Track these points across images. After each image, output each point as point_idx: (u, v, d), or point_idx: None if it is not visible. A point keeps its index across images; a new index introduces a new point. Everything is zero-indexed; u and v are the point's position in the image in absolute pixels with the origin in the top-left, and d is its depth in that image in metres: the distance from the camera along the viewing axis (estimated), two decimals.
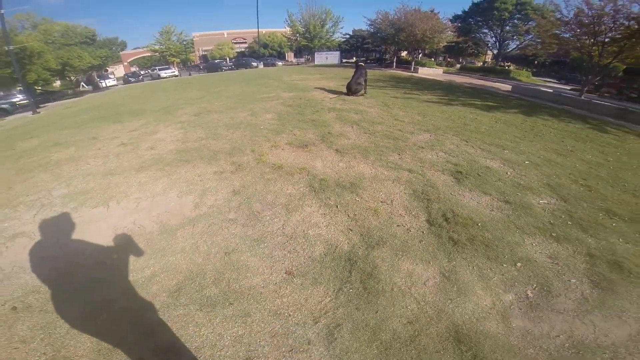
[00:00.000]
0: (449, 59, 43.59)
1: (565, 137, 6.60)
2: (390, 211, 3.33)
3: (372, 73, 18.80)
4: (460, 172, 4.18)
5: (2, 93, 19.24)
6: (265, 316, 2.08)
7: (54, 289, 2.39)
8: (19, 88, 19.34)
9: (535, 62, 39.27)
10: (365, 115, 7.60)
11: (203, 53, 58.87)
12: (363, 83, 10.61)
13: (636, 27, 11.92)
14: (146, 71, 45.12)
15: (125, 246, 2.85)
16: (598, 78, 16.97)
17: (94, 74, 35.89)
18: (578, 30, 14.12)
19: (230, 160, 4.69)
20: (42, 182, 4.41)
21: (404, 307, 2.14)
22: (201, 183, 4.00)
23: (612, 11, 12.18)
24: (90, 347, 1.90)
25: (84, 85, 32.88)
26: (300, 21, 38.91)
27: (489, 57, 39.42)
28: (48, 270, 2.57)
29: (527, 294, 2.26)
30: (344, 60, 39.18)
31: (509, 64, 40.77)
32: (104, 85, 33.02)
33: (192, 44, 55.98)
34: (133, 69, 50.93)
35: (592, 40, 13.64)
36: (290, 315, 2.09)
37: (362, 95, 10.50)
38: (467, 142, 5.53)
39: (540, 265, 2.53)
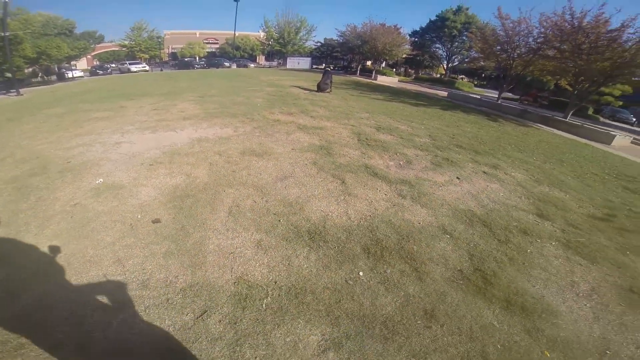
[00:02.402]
0: (409, 70, 48.78)
1: (460, 120, 10.10)
2: (339, 136, 6.30)
3: (338, 79, 22.05)
4: (380, 127, 7.34)
5: None
6: (284, 161, 4.76)
7: (168, 159, 4.80)
8: None
9: (483, 75, 45.61)
10: (329, 102, 10.61)
11: (173, 51, 58.83)
12: (329, 83, 13.68)
13: (534, 46, 16.02)
14: (115, 64, 44.67)
15: (202, 140, 5.37)
16: (512, 86, 21.84)
17: (54, 66, 35.28)
18: (498, 47, 18.27)
19: (245, 117, 7.37)
20: (106, 125, 6.57)
21: (342, 157, 4.98)
22: (232, 125, 6.63)
23: (518, 34, 16.37)
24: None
25: (41, 75, 32.43)
26: (275, 27, 41.69)
27: (444, 70, 44.87)
28: (153, 155, 4.95)
29: (400, 163, 5.21)
30: (314, 66, 42.51)
31: (462, 76, 46.78)
32: (70, 76, 32.87)
33: (162, 41, 55.96)
34: (95, 62, 49.72)
35: (506, 55, 17.88)
36: (296, 161, 4.79)
37: (328, 92, 13.53)
38: (391, 118, 8.76)
39: (409, 156, 5.56)
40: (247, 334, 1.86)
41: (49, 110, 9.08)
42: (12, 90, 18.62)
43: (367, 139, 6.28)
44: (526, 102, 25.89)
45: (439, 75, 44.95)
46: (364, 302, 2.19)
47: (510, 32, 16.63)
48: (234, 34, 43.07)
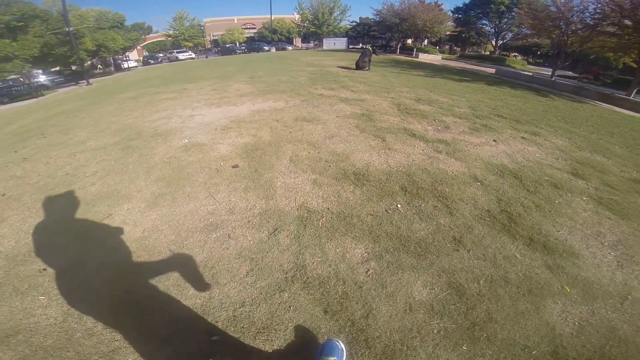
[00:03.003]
0: (455, 47, 46.09)
1: (505, 94, 9.84)
2: (380, 106, 6.73)
3: (376, 58, 21.75)
4: (420, 99, 7.57)
5: (27, 73, 22.05)
6: (331, 125, 5.35)
7: (236, 125, 5.64)
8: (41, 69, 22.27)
9: (538, 52, 41.63)
10: (368, 79, 10.90)
11: (214, 38, 61.23)
12: (367, 61, 13.82)
13: (591, 22, 14.81)
14: (164, 54, 47.95)
15: (260, 111, 6.17)
16: (567, 63, 19.98)
17: (110, 57, 38.82)
18: (549, 22, 16.99)
19: (293, 93, 8.10)
20: (176, 104, 7.64)
21: (382, 122, 5.45)
22: (282, 99, 7.40)
23: (571, 9, 15.15)
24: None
25: (100, 67, 36.01)
26: (309, 9, 41.53)
27: (493, 47, 41.83)
28: (223, 123, 5.81)
29: (438, 128, 5.54)
30: (351, 46, 41.90)
31: (515, 53, 43.16)
32: (126, 66, 36.19)
33: (204, 29, 58.41)
34: (145, 53, 53.56)
35: (559, 32, 16.60)
36: (341, 125, 5.34)
37: (366, 70, 13.70)
38: (431, 92, 8.87)
39: (447, 122, 5.84)
40: (307, 245, 2.52)
41: (122, 94, 10.55)
42: (81, 81, 21.34)
43: (406, 108, 6.64)
44: (586, 80, 23.49)
45: (487, 53, 41.89)
46: (401, 226, 2.77)
47: (562, 8, 15.33)
48: (271, 18, 43.67)
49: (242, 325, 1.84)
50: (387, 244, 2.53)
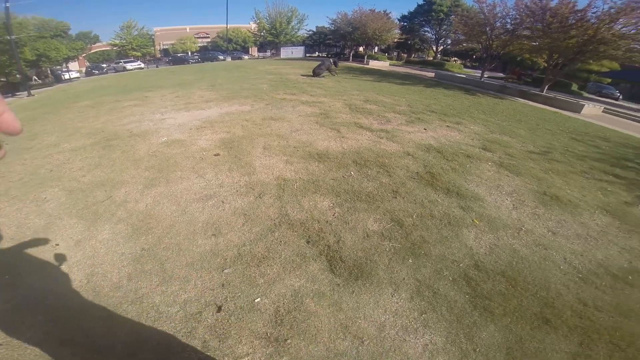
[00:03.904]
0: (402, 54, 49.70)
1: (439, 94, 11.50)
2: (334, 106, 7.74)
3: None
4: (368, 100, 8.80)
5: None
6: (294, 122, 6.16)
7: (209, 125, 6.20)
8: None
9: (474, 56, 46.56)
10: (324, 84, 12.00)
11: (164, 47, 59.08)
12: (324, 69, 14.97)
13: (510, 27, 17.22)
14: (108, 64, 45.20)
15: (229, 114, 6.77)
16: (494, 65, 23.13)
17: (48, 68, 35.92)
18: (478, 28, 19.37)
19: (256, 98, 8.79)
20: (143, 110, 7.93)
21: (337, 119, 6.41)
22: (247, 103, 8.05)
23: (495, 16, 17.56)
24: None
25: (36, 78, 33.18)
26: (266, 18, 42.36)
27: (438, 53, 45.75)
28: (196, 124, 6.34)
29: (381, 122, 6.62)
30: (308, 55, 43.38)
31: (455, 58, 47.67)
32: (67, 77, 33.67)
33: (153, 38, 56.23)
34: (86, 63, 50.07)
35: (486, 37, 19.07)
36: (303, 122, 6.19)
37: (323, 77, 14.83)
38: (377, 94, 10.21)
39: (389, 117, 6.98)
40: (287, 202, 3.30)
41: (77, 104, 10.27)
42: (18, 93, 19.71)
43: (356, 108, 7.75)
44: (510, 80, 27.12)
45: (431, 58, 45.88)
46: (354, 185, 3.67)
47: (488, 14, 17.68)
48: (226, 27, 43.66)
49: (246, 259, 2.55)
50: (346, 197, 3.42)
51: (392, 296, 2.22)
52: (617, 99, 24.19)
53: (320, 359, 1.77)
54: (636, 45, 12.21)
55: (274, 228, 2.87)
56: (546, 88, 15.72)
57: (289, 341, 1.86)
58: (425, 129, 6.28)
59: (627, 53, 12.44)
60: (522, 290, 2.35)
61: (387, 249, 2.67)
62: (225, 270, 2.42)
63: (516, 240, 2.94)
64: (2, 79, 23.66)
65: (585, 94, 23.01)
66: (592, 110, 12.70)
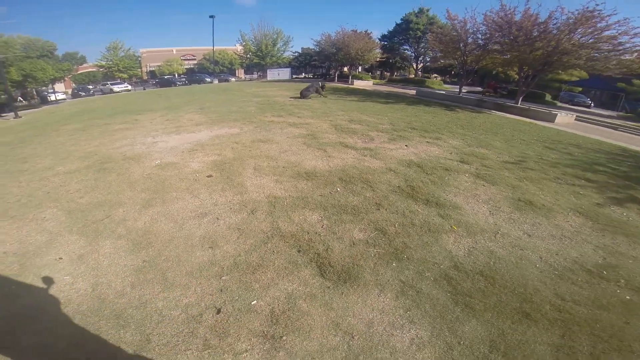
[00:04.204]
0: (385, 73, 51.51)
1: (420, 112, 12.15)
2: (321, 127, 8.15)
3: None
4: (352, 120, 9.32)
5: None
6: (283, 143, 6.46)
7: (200, 148, 6.43)
8: None
9: (452, 72, 48.49)
10: (311, 106, 12.54)
11: (151, 69, 59.51)
12: (312, 91, 15.58)
13: (481, 42, 18.25)
14: (94, 85, 45.11)
15: (219, 136, 7.02)
16: (470, 80, 24.27)
17: (33, 89, 35.67)
18: (452, 45, 20.33)
19: (245, 121, 9.14)
20: (134, 133, 8.13)
21: (324, 139, 6.77)
22: (237, 126, 8.36)
23: (467, 33, 18.60)
24: None
25: (21, 99, 32.85)
26: (252, 40, 43.58)
27: (419, 70, 47.38)
28: (187, 147, 6.56)
29: (365, 140, 7.01)
30: (294, 76, 44.55)
31: (435, 75, 49.47)
32: (53, 98, 33.44)
33: (140, 60, 56.71)
34: (72, 85, 49.84)
35: (460, 53, 20.04)
36: (291, 143, 6.50)
37: (310, 98, 15.40)
38: (361, 114, 10.79)
39: (372, 136, 7.41)
40: (278, 216, 3.55)
41: (66, 126, 10.34)
42: (3, 114, 19.44)
43: (342, 128, 8.17)
44: (487, 94, 28.42)
45: (412, 76, 47.60)
46: (340, 200, 3.96)
47: (460, 31, 18.68)
48: (213, 49, 44.66)
49: (242, 267, 2.76)
50: (333, 210, 3.70)
51: (379, 296, 2.45)
52: (588, 107, 25.78)
53: (314, 354, 1.95)
54: (596, 54, 12.89)
55: (266, 240, 3.10)
56: (520, 100, 16.39)
57: (284, 338, 2.05)
58: (406, 145, 6.70)
59: (589, 62, 13.13)
60: (500, 288, 2.55)
61: (372, 255, 2.93)
62: (223, 277, 2.62)
63: (493, 243, 3.20)
64: None
65: (559, 104, 24.34)
66: (565, 119, 13.21)
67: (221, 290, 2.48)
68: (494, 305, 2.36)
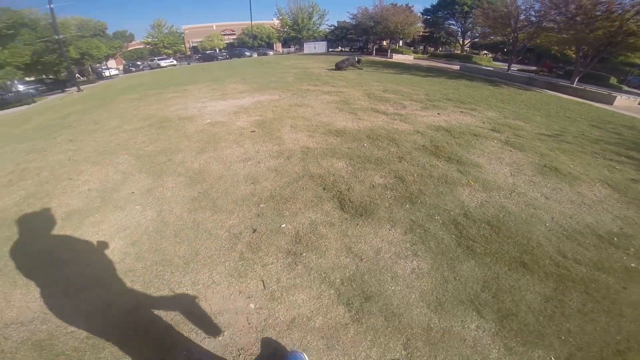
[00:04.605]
0: (429, 47, 48.77)
1: (460, 85, 11.73)
2: (354, 95, 8.38)
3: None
4: (387, 90, 9.34)
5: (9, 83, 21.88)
6: (317, 107, 6.88)
7: (244, 110, 7.07)
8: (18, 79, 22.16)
9: (505, 49, 44.47)
10: (346, 77, 12.65)
11: (193, 44, 61.63)
12: (347, 64, 15.58)
13: (534, 20, 16.84)
14: (142, 62, 48.14)
15: (261, 102, 7.61)
16: (520, 57, 22.37)
17: (89, 66, 38.92)
18: (501, 21, 18.98)
19: (283, 89, 9.67)
20: (185, 100, 8.99)
21: (355, 105, 7.05)
22: (276, 93, 8.94)
23: (518, 9, 17.23)
24: None
25: (79, 76, 36.08)
26: (288, 14, 43.30)
27: (466, 46, 44.25)
28: (233, 109, 7.21)
29: (397, 108, 7.16)
30: (330, 50, 43.87)
31: (485, 51, 45.97)
32: (107, 74, 36.50)
33: (183, 36, 58.90)
34: (122, 61, 53.35)
35: (510, 29, 18.67)
36: (325, 107, 6.90)
37: (346, 70, 15.42)
38: (397, 85, 10.69)
39: (405, 104, 7.51)
40: (309, 162, 4.06)
41: (125, 97, 11.56)
42: (67, 89, 21.84)
43: (375, 96, 8.36)
44: (542, 73, 26.04)
45: (458, 52, 44.49)
46: (366, 152, 4.35)
47: (510, 7, 17.32)
48: (251, 23, 45.06)
49: (276, 198, 3.32)
50: (358, 160, 4.14)
51: (389, 230, 2.84)
52: None
53: (327, 269, 2.38)
54: None
55: (298, 179, 3.63)
56: (576, 80, 15.12)
57: (304, 255, 2.53)
58: (438, 113, 6.76)
59: None
60: (504, 237, 2.71)
61: (389, 196, 3.33)
62: (261, 205, 3.21)
63: (507, 199, 3.34)
64: (50, 77, 26.29)
65: (625, 88, 21.68)
66: (625, 102, 11.90)
67: (258, 215, 3.06)
68: (495, 252, 2.53)
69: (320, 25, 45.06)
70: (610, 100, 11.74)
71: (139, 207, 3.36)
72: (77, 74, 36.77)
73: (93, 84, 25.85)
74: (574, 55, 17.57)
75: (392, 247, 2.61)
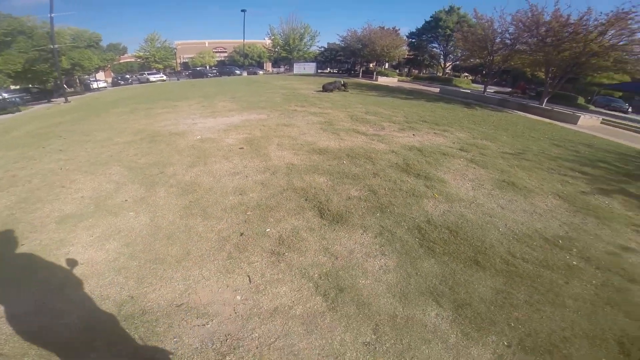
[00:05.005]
0: (412, 70, 50.88)
1: (437, 108, 12.61)
2: (338, 117, 8.95)
3: None
4: (368, 112, 10.05)
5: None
6: (303, 127, 7.37)
7: (233, 128, 7.48)
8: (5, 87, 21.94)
9: (484, 72, 46.72)
10: (332, 99, 13.38)
11: (184, 60, 62.32)
12: (333, 86, 16.45)
13: (509, 42, 18.11)
14: (131, 75, 48.20)
15: (249, 120, 8.04)
16: (495, 79, 23.79)
17: (77, 77, 38.71)
18: (478, 44, 20.20)
19: (271, 109, 10.19)
20: (175, 116, 9.34)
21: (338, 126, 7.58)
22: (264, 112, 9.41)
23: (494, 32, 18.49)
24: None
25: (65, 86, 35.72)
26: (280, 34, 44.79)
27: (448, 68, 46.45)
28: (222, 127, 7.62)
29: (376, 129, 7.75)
30: (320, 71, 45.33)
31: (465, 74, 48.19)
32: (95, 86, 36.40)
33: (175, 51, 59.60)
34: (111, 74, 53.20)
35: (486, 52, 19.92)
36: (310, 127, 7.40)
37: (332, 92, 16.21)
38: (379, 107, 11.44)
39: (384, 126, 8.12)
40: (293, 177, 4.47)
41: (114, 110, 11.73)
42: (54, 99, 21.65)
43: (357, 118, 8.98)
44: (515, 94, 27.67)
45: (440, 74, 46.46)
46: (345, 169, 4.82)
47: (487, 31, 18.59)
48: (243, 42, 46.27)
49: (262, 207, 3.69)
50: (337, 176, 4.59)
51: (362, 234, 3.27)
52: (625, 112, 24.42)
53: (307, 266, 2.76)
54: (626, 56, 12.50)
55: (282, 191, 4.03)
56: (545, 101, 15.96)
57: (286, 254, 2.91)
58: (413, 134, 7.39)
59: (618, 64, 12.78)
60: (461, 240, 3.17)
61: (362, 207, 3.77)
62: (248, 213, 3.57)
63: (467, 209, 3.81)
64: (37, 86, 25.94)
65: (592, 107, 23.19)
66: (589, 122, 12.77)
67: (245, 221, 3.42)
68: (452, 252, 2.96)
69: (310, 46, 46.59)
70: (574, 120, 12.45)
71: (132, 213, 3.62)
72: (64, 85, 36.46)
73: (80, 96, 25.83)
74: (543, 76, 18.93)
75: (364, 248, 3.02)
